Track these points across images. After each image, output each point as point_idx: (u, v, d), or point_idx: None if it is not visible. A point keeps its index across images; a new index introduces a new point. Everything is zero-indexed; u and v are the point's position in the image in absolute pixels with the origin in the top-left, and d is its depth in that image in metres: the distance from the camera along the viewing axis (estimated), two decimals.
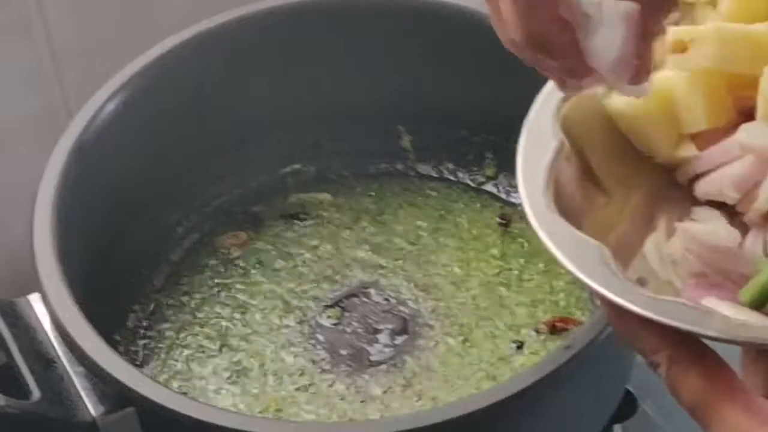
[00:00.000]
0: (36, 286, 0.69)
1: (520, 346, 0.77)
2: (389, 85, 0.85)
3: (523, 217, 0.83)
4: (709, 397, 0.46)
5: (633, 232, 0.54)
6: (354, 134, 0.87)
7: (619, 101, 0.54)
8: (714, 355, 0.48)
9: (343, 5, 0.82)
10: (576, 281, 0.49)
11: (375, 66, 0.84)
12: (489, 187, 0.87)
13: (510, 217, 0.85)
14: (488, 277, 0.81)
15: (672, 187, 0.55)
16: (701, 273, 0.51)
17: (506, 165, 0.86)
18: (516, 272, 0.81)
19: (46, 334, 0.68)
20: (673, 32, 0.53)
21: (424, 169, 0.88)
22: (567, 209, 0.52)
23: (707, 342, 0.48)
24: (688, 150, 0.54)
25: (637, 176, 0.55)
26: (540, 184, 0.52)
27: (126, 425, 0.66)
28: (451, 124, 0.86)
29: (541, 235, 0.51)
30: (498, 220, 0.85)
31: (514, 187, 0.86)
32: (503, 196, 0.86)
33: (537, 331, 0.78)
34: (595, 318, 0.65)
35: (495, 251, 0.83)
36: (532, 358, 0.76)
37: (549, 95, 0.55)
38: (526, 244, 0.83)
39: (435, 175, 0.88)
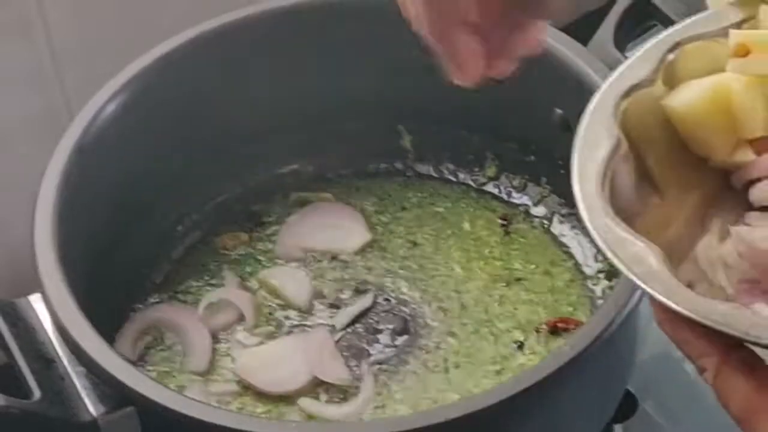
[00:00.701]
0: (37, 286, 0.69)
1: (520, 346, 0.77)
2: (389, 84, 0.85)
3: (525, 218, 0.84)
4: (759, 407, 0.45)
5: (686, 233, 0.53)
6: (354, 134, 0.87)
7: (677, 102, 0.54)
8: (765, 365, 0.47)
9: (342, 6, 0.82)
10: (626, 280, 0.49)
11: (375, 66, 0.84)
12: (490, 187, 0.87)
13: (511, 218, 0.85)
14: (489, 277, 0.81)
15: (727, 191, 0.54)
16: (753, 279, 0.50)
17: (507, 165, 0.86)
18: (517, 273, 0.81)
19: (46, 334, 0.68)
20: (735, 36, 0.53)
21: (425, 169, 0.88)
22: (621, 208, 0.51)
23: (758, 351, 0.47)
24: (745, 155, 0.53)
25: (692, 178, 0.55)
26: (595, 182, 0.52)
27: (126, 425, 0.66)
28: (452, 124, 0.86)
29: (593, 232, 0.50)
30: (499, 220, 0.85)
31: (515, 187, 0.86)
32: (504, 196, 0.86)
33: (538, 332, 0.78)
34: (595, 319, 0.65)
35: (496, 252, 0.83)
36: (532, 359, 0.76)
37: (606, 91, 0.55)
38: (527, 245, 0.83)
39: (435, 176, 0.88)
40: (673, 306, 0.47)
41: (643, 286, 0.48)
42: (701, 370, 0.47)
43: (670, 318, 0.48)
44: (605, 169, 0.52)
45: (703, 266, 0.52)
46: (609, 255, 0.49)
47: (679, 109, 0.54)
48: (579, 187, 0.52)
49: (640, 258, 0.49)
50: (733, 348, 0.47)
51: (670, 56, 0.55)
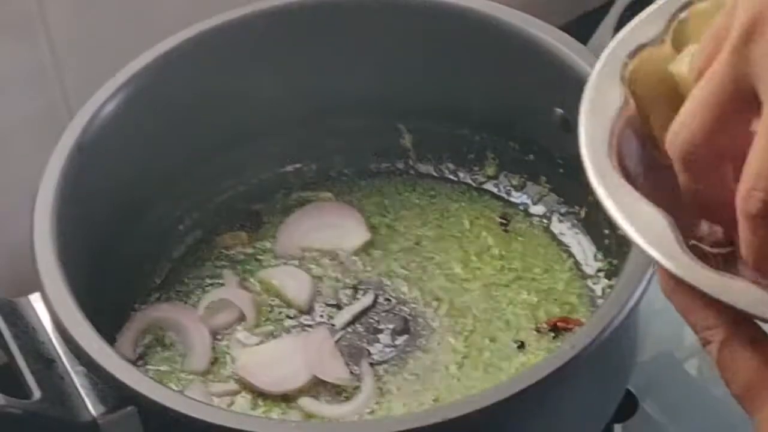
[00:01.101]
0: (37, 285, 0.69)
1: (521, 345, 0.77)
2: (390, 83, 0.85)
3: (525, 216, 0.84)
4: (763, 384, 0.44)
5: None
6: (355, 133, 0.87)
7: (684, 67, 0.53)
8: None
9: (342, 6, 0.82)
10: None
11: (376, 65, 0.84)
12: (490, 186, 0.87)
13: (510, 217, 0.84)
14: (489, 276, 0.81)
15: None
16: None
17: (507, 164, 0.86)
18: (517, 272, 0.81)
19: (46, 333, 0.68)
20: None
21: (425, 168, 0.88)
22: (628, 171, 0.50)
23: (766, 326, 0.46)
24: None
25: None
26: (603, 145, 0.50)
27: (127, 425, 0.66)
28: (453, 123, 0.86)
29: (601, 194, 0.49)
30: (499, 219, 0.85)
31: (515, 186, 0.86)
32: (504, 195, 0.86)
33: (538, 331, 0.78)
34: (596, 318, 0.65)
35: (496, 251, 0.83)
36: (533, 358, 0.76)
37: (614, 50, 0.53)
38: (526, 244, 0.83)
39: (436, 175, 0.88)
40: (684, 276, 0.46)
41: (651, 252, 0.47)
42: (705, 342, 0.46)
43: (677, 289, 0.47)
44: (612, 130, 0.51)
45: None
46: (616, 219, 0.48)
47: (686, 72, 0.53)
48: (587, 149, 0.50)
49: (647, 223, 0.48)
50: (739, 321, 0.46)
51: (681, 15, 0.53)
